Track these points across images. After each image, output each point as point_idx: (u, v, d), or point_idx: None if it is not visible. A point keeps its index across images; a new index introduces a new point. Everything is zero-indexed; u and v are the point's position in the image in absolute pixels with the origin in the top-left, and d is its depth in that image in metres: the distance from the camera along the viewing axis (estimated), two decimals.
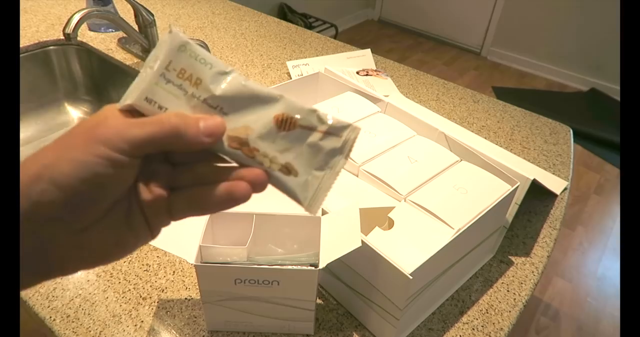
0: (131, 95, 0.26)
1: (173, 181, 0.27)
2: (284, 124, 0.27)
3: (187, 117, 0.25)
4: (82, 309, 0.54)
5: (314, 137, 0.27)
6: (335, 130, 0.27)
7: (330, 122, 0.27)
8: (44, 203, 0.23)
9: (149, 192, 0.26)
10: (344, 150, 0.28)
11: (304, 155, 0.27)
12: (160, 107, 0.26)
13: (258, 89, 0.27)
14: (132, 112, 0.26)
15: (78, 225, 0.24)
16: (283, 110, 0.27)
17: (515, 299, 0.59)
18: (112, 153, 0.23)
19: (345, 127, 0.27)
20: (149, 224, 0.27)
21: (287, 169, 0.27)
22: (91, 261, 0.26)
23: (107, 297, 0.55)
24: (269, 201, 0.52)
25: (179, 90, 0.26)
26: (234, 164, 0.27)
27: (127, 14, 1.18)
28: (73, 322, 0.52)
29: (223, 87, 0.26)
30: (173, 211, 0.27)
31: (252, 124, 0.27)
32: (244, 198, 0.26)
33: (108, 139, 0.23)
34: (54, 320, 0.52)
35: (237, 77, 0.27)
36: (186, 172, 0.27)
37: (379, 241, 0.51)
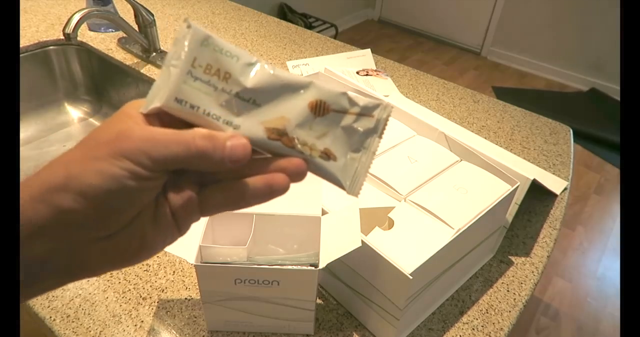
0: (159, 97, 0.25)
1: (204, 178, 0.27)
2: (319, 110, 0.26)
3: (214, 138, 0.25)
4: (82, 309, 0.54)
5: (348, 119, 0.27)
6: (367, 111, 0.27)
7: (361, 103, 0.27)
8: (70, 211, 0.23)
9: (179, 196, 0.26)
10: (377, 130, 0.27)
11: (339, 138, 0.27)
12: (192, 107, 0.25)
13: (288, 77, 0.26)
14: (159, 114, 0.26)
15: (103, 233, 0.24)
16: (316, 97, 0.26)
17: (515, 299, 0.59)
18: (137, 168, 0.23)
19: (376, 106, 0.27)
20: (178, 224, 0.27)
21: (327, 155, 0.27)
22: (118, 262, 0.26)
23: (107, 297, 0.55)
24: (269, 201, 0.52)
25: (209, 87, 0.25)
26: (268, 155, 0.27)
27: (127, 14, 1.18)
28: (73, 322, 0.52)
29: (253, 78, 0.26)
30: (205, 207, 0.27)
31: (288, 113, 0.26)
32: (284, 190, 0.27)
33: (133, 155, 0.23)
34: (54, 320, 0.52)
35: (264, 67, 0.26)
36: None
37: (379, 241, 0.51)
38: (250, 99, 0.26)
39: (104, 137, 0.24)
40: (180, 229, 0.27)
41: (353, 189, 0.28)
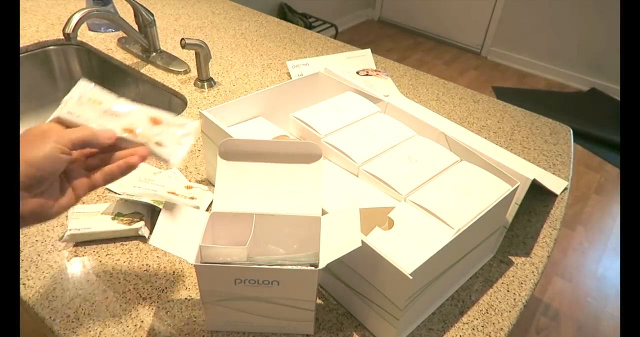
0: (58, 113, 0.44)
1: (89, 166, 0.46)
2: (155, 122, 0.48)
3: (98, 129, 0.44)
4: (82, 309, 0.54)
5: (173, 128, 0.49)
6: (185, 125, 0.49)
7: (182, 121, 0.49)
8: (24, 176, 0.37)
9: (78, 181, 0.44)
10: (190, 134, 0.49)
11: (168, 136, 0.48)
12: (77, 116, 0.44)
13: (138, 106, 0.48)
14: (60, 123, 0.44)
15: (35, 191, 0.39)
16: (155, 115, 0.48)
17: (515, 299, 0.59)
18: (62, 147, 0.40)
19: (188, 123, 0.50)
20: (77, 194, 0.44)
21: (159, 144, 0.47)
22: (43, 215, 0.41)
23: (107, 297, 0.55)
24: (269, 201, 0.52)
25: (89, 106, 0.46)
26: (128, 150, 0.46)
27: (127, 14, 1.18)
28: (73, 322, 0.52)
29: (117, 106, 0.47)
30: (94, 183, 0.45)
31: (136, 122, 0.47)
32: (136, 165, 0.45)
33: (58, 139, 0.40)
34: (54, 320, 0.52)
35: (121, 101, 0.48)
36: (99, 158, 0.46)
37: (379, 241, 0.51)
38: (113, 114, 0.46)
39: (36, 134, 0.40)
40: (77, 196, 0.44)
41: (174, 163, 0.47)
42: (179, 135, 0.48)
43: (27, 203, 0.37)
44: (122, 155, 0.45)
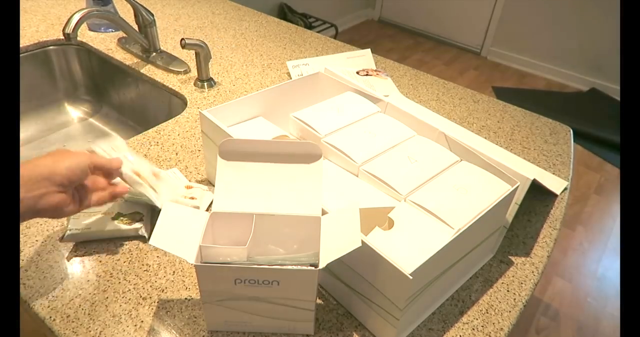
0: (93, 147, 0.58)
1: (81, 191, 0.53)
2: (156, 176, 0.61)
3: (111, 158, 0.55)
4: (82, 309, 0.54)
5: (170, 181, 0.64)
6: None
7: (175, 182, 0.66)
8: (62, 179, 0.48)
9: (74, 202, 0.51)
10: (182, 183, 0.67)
11: (164, 187, 0.62)
12: (104, 151, 0.57)
13: (145, 161, 0.61)
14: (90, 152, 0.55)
15: (64, 190, 0.49)
16: (153, 170, 0.61)
17: (515, 299, 0.59)
18: (90, 164, 0.50)
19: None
20: (81, 203, 0.52)
21: (154, 189, 0.60)
22: (59, 213, 0.49)
23: (107, 297, 0.55)
24: (269, 201, 0.52)
25: (113, 151, 0.58)
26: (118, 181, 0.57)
27: (127, 14, 1.18)
28: (73, 322, 0.52)
29: (129, 156, 0.59)
30: (89, 202, 0.53)
31: (141, 171, 0.59)
32: (120, 196, 0.56)
33: (88, 159, 0.51)
34: (54, 320, 0.52)
35: (134, 153, 0.60)
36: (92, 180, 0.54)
37: (379, 241, 0.51)
38: (127, 160, 0.58)
39: (73, 153, 0.50)
40: (79, 208, 0.52)
41: (160, 206, 0.57)
42: (173, 187, 0.65)
43: (55, 196, 0.47)
44: (103, 186, 0.55)
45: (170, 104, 1.00)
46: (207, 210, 0.67)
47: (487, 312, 0.57)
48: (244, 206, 0.52)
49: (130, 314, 0.54)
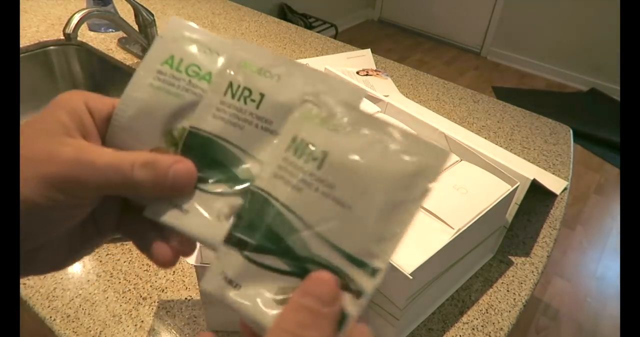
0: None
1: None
2: None
3: (156, 166, 0.23)
4: (82, 309, 0.54)
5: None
6: None
7: None
8: None
9: (105, 215, 0.26)
10: None
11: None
12: None
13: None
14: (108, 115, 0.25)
15: (28, 247, 0.23)
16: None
17: (515, 299, 0.59)
18: (62, 197, 0.21)
19: None
20: (102, 233, 0.27)
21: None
22: (45, 269, 0.25)
23: (108, 297, 0.55)
24: None
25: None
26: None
27: (127, 14, 1.18)
28: (73, 322, 0.52)
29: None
30: (122, 232, 0.27)
31: None
32: (162, 264, 0.26)
33: (61, 182, 0.21)
34: (54, 320, 0.52)
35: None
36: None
37: None
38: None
39: (32, 153, 0.22)
40: (103, 238, 0.27)
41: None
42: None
43: None
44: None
45: None
46: None
47: (487, 312, 0.57)
48: None
49: (131, 314, 0.54)
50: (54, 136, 0.22)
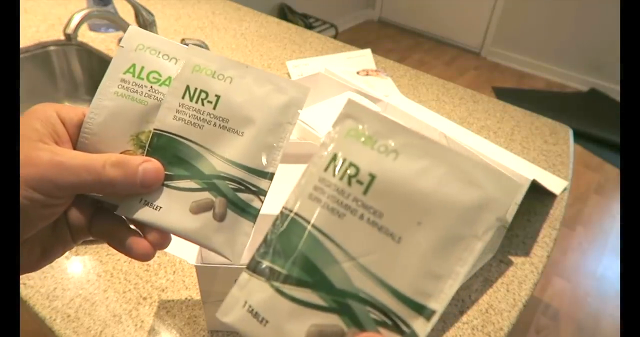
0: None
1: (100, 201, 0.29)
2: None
3: (126, 165, 0.25)
4: (83, 309, 0.54)
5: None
6: None
7: None
8: None
9: (78, 218, 0.27)
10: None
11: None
12: None
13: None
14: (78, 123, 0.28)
15: None
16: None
17: (515, 299, 0.59)
18: (40, 197, 0.23)
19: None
20: (74, 237, 0.28)
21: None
22: (20, 270, 0.26)
23: (108, 297, 0.55)
24: (270, 201, 0.52)
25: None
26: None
27: (127, 14, 1.18)
28: (73, 322, 0.52)
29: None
30: (94, 233, 0.28)
31: None
32: (142, 257, 0.28)
33: (37, 183, 0.23)
34: (55, 320, 0.52)
35: None
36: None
37: None
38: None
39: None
40: (75, 240, 0.28)
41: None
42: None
43: None
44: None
45: None
46: None
47: (487, 312, 0.57)
48: None
49: (131, 314, 0.54)
50: (29, 142, 0.24)
